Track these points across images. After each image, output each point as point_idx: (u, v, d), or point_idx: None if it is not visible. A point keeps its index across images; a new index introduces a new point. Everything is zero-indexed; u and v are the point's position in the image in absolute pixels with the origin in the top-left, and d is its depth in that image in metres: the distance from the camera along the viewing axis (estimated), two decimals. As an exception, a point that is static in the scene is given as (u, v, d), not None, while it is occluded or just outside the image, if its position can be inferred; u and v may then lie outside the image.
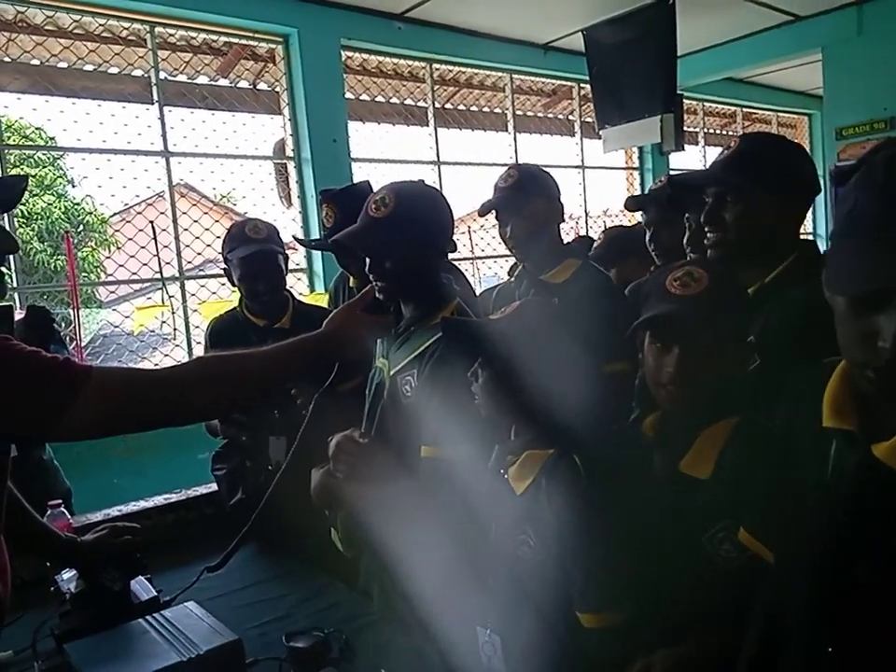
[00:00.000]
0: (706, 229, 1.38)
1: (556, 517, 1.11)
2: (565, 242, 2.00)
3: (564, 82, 5.97)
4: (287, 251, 2.07)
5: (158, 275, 4.05)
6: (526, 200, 1.83)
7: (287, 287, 2.11)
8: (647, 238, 2.17)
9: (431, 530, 1.22)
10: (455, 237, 1.48)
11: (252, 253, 1.93)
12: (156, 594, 1.47)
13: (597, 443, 1.11)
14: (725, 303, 1.10)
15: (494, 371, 1.18)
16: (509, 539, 1.20)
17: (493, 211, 1.89)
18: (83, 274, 7.00)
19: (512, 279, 2.01)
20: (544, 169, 1.95)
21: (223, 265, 2.06)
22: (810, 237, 6.71)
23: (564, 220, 1.94)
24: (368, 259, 1.41)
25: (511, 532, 1.20)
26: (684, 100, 6.25)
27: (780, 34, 5.40)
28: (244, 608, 1.50)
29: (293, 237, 4.31)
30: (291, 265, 2.65)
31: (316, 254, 4.41)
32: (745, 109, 7.48)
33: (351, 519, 1.51)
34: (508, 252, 1.97)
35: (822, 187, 1.45)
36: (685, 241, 1.80)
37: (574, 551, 1.09)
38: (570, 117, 6.15)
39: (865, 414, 0.79)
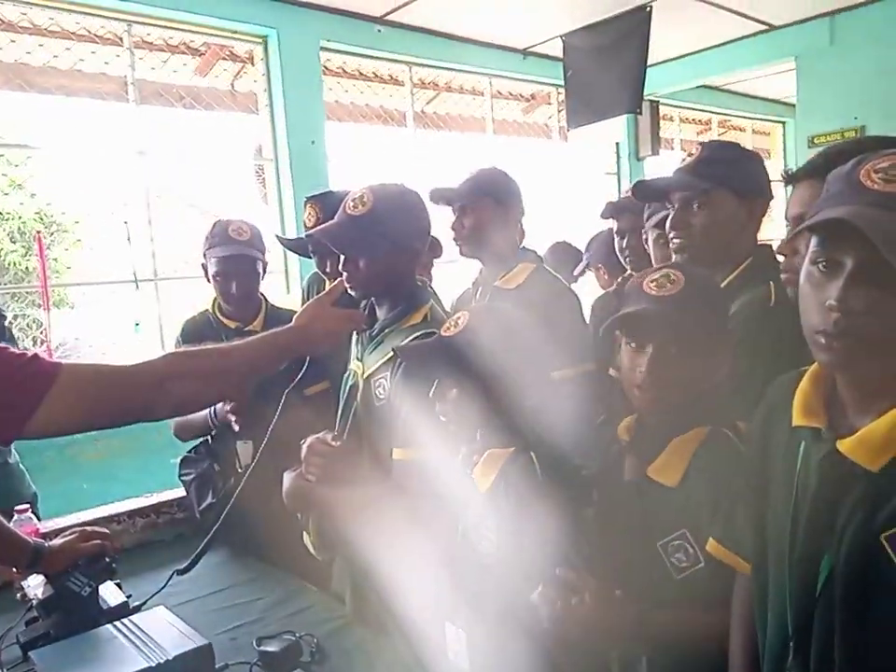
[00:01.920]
0: (671, 234, 1.40)
1: (514, 513, 1.12)
2: (525, 246, 1.98)
3: (542, 87, 6.02)
4: (266, 255, 2.05)
5: (132, 277, 4.00)
6: (476, 196, 1.84)
7: (262, 289, 2.09)
8: (618, 246, 2.20)
9: (404, 532, 1.22)
10: (440, 239, 1.48)
11: (230, 255, 1.91)
12: (125, 599, 1.44)
13: (559, 443, 1.12)
14: (700, 305, 1.11)
15: (467, 388, 1.18)
16: (473, 535, 1.21)
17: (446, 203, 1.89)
18: (55, 275, 6.87)
19: (470, 286, 2.03)
20: (507, 174, 1.95)
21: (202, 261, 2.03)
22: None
23: (517, 225, 1.92)
24: (342, 258, 1.41)
25: (474, 528, 1.21)
26: (660, 107, 6.33)
27: (755, 42, 5.48)
28: (214, 612, 1.49)
29: (276, 235, 4.29)
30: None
31: (293, 256, 4.38)
32: (720, 117, 7.58)
33: (323, 522, 1.51)
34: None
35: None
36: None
37: (530, 545, 1.10)
38: (548, 122, 6.20)
39: (834, 413, 0.81)
